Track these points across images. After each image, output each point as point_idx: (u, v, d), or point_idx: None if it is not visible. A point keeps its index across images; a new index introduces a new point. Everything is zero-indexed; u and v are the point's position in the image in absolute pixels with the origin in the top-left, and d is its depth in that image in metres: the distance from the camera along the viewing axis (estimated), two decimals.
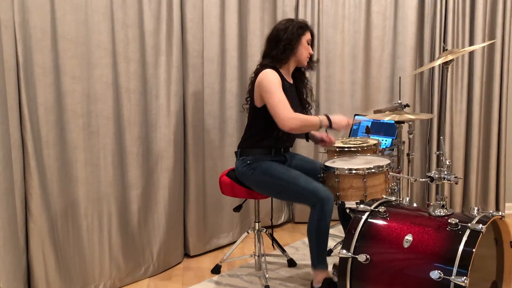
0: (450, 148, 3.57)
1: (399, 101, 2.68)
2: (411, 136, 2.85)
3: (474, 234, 1.66)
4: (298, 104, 2.53)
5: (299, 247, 3.14)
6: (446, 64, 2.22)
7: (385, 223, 1.87)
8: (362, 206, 1.97)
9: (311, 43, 2.50)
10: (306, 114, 2.55)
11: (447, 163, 1.92)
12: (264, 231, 2.80)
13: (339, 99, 3.52)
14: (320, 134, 2.66)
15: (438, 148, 3.52)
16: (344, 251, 1.86)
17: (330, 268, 2.33)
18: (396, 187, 2.41)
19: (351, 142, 2.72)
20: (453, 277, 1.60)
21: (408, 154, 2.87)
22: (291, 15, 3.37)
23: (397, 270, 1.75)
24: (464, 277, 1.57)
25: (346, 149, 2.62)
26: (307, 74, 2.66)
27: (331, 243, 2.40)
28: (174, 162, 2.77)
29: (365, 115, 3.26)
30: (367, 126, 2.85)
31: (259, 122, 2.41)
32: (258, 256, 2.72)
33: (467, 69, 3.53)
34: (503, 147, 3.59)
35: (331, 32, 3.47)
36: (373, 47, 3.50)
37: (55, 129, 2.30)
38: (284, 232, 3.48)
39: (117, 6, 2.45)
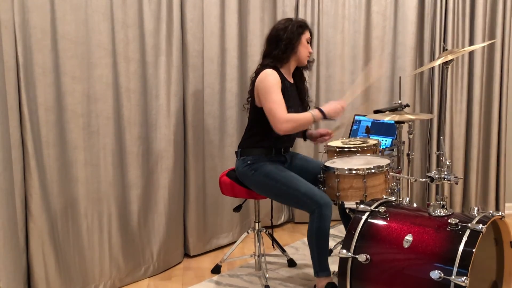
0: (450, 148, 3.57)
1: (399, 101, 2.68)
2: (411, 136, 2.85)
3: (474, 234, 1.66)
4: (299, 103, 2.53)
5: (299, 247, 3.14)
6: (446, 64, 2.22)
7: (385, 223, 1.87)
8: (362, 206, 1.97)
9: (310, 42, 2.51)
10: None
11: (447, 163, 1.92)
12: (264, 231, 2.80)
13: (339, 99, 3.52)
14: (316, 131, 2.65)
15: (438, 148, 3.52)
16: (344, 251, 1.86)
17: (335, 268, 2.32)
18: (396, 187, 2.40)
19: (351, 142, 2.72)
20: (453, 277, 1.60)
21: (408, 154, 2.87)
22: (291, 15, 3.37)
23: (397, 270, 1.75)
24: (464, 277, 1.57)
25: (346, 149, 2.62)
26: (306, 74, 2.66)
27: (331, 243, 2.39)
28: (174, 162, 2.77)
29: (364, 115, 3.26)
30: (367, 126, 2.85)
31: (259, 122, 2.41)
32: (258, 256, 2.72)
33: (467, 69, 3.53)
34: (503, 147, 3.59)
35: (331, 32, 3.47)
36: (373, 47, 3.50)
37: (55, 129, 2.30)
38: (284, 232, 3.48)
39: (117, 6, 2.45)
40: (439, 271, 1.62)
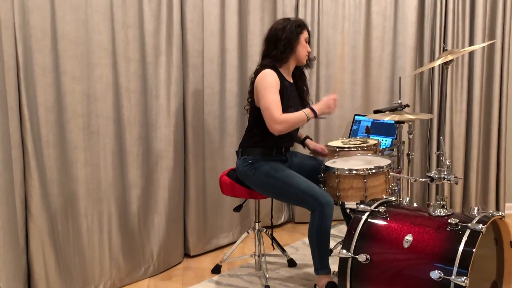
0: (450, 148, 3.57)
1: (399, 101, 2.68)
2: (411, 136, 2.85)
3: (474, 234, 1.66)
4: (299, 103, 2.54)
5: (299, 247, 3.14)
6: (446, 64, 2.22)
7: (385, 223, 1.87)
8: (362, 206, 1.97)
9: (308, 41, 2.51)
10: None
11: (447, 163, 1.92)
12: (264, 231, 2.80)
13: (339, 99, 3.52)
14: (314, 145, 2.70)
15: (438, 148, 3.52)
16: (344, 251, 1.86)
17: (335, 268, 2.32)
18: (396, 187, 2.40)
19: (351, 142, 2.72)
20: (453, 277, 1.60)
21: (408, 154, 2.87)
22: (291, 15, 3.37)
23: (397, 270, 1.75)
24: (464, 277, 1.58)
25: (346, 149, 2.62)
26: (306, 73, 2.66)
27: (331, 243, 2.39)
28: (174, 162, 2.77)
29: (364, 115, 3.26)
30: (367, 126, 2.85)
31: (260, 122, 2.41)
32: (258, 256, 2.73)
33: (467, 69, 3.53)
34: (503, 147, 3.59)
35: (331, 32, 3.47)
36: (373, 47, 3.50)
37: (55, 129, 2.30)
38: (284, 232, 3.48)
39: (117, 6, 2.45)
40: (439, 271, 1.62)
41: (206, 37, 2.91)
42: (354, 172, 2.27)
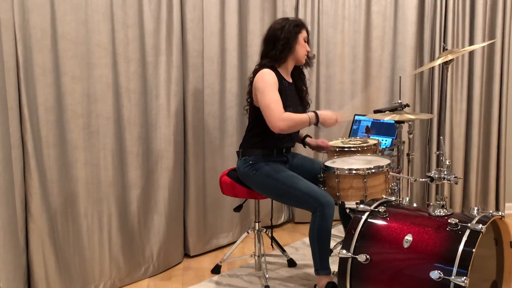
0: (450, 148, 3.57)
1: (399, 101, 2.68)
2: (411, 136, 2.85)
3: (474, 234, 1.66)
4: (299, 103, 2.54)
5: (299, 247, 3.14)
6: (446, 64, 2.22)
7: (385, 223, 1.87)
8: (362, 206, 1.97)
9: (307, 41, 2.51)
10: (306, 112, 2.55)
11: (447, 163, 1.91)
12: (264, 231, 2.80)
13: (339, 99, 3.52)
14: (315, 141, 2.67)
15: (438, 148, 3.52)
16: (344, 251, 1.86)
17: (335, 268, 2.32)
18: (396, 187, 2.40)
19: (351, 142, 2.72)
20: (453, 277, 1.59)
21: (408, 154, 2.87)
22: (291, 15, 3.37)
23: (397, 270, 1.75)
24: (464, 277, 1.57)
25: (346, 149, 2.62)
26: (306, 73, 2.66)
27: (331, 243, 2.39)
28: (174, 162, 2.77)
29: (364, 115, 3.26)
30: (367, 126, 2.85)
31: (260, 123, 2.41)
32: (258, 256, 2.73)
33: (467, 69, 3.53)
34: (503, 147, 3.59)
35: (331, 32, 3.47)
36: (373, 47, 3.50)
37: (55, 129, 2.30)
38: (284, 232, 3.48)
39: (117, 6, 2.45)
40: (439, 271, 1.62)
41: (206, 37, 2.91)
42: (354, 172, 2.27)
